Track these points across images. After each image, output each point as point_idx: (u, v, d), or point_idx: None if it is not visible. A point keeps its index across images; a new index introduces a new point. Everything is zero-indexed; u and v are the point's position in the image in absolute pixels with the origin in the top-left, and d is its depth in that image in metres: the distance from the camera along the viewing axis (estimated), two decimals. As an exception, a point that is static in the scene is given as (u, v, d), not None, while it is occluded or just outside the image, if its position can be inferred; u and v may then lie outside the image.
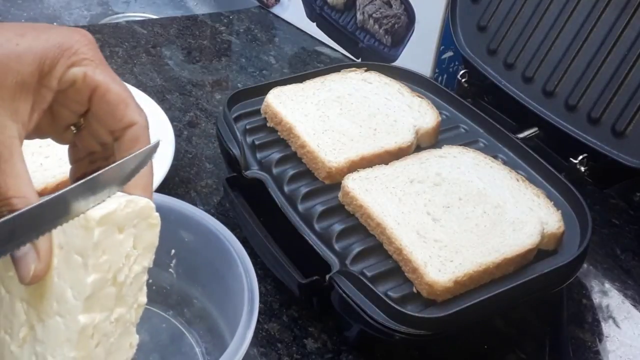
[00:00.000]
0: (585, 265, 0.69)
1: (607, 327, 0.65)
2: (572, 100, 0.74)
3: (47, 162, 0.68)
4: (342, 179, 0.64)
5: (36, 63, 0.42)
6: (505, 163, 0.69)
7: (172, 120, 0.84)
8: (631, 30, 0.71)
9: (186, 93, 0.93)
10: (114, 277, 0.42)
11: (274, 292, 0.66)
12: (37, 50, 0.42)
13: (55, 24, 1.16)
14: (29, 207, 0.39)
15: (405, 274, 0.58)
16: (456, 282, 0.56)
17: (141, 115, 0.46)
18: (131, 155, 0.43)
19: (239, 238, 0.56)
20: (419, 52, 0.93)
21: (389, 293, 0.56)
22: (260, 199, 0.66)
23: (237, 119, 0.73)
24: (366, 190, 0.63)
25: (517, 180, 0.66)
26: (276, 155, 0.68)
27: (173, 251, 0.59)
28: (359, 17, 0.99)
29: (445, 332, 0.55)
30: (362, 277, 0.56)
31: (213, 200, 0.76)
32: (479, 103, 0.83)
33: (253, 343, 0.58)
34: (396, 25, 0.95)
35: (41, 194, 0.45)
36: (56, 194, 0.39)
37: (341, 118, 0.71)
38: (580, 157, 0.72)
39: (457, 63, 0.94)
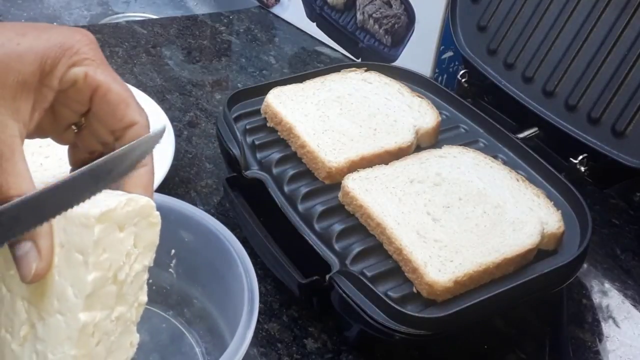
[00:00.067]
0: (585, 265, 0.69)
1: (607, 327, 0.65)
2: (572, 100, 0.74)
3: (47, 162, 0.68)
4: (342, 179, 0.64)
5: (37, 62, 0.42)
6: (505, 163, 0.69)
7: (172, 120, 0.84)
8: (631, 30, 0.71)
9: (186, 93, 0.93)
10: (114, 275, 0.42)
11: (274, 292, 0.66)
12: (38, 49, 0.42)
13: (55, 23, 1.16)
14: (33, 193, 0.39)
15: (405, 274, 0.58)
16: (456, 282, 0.56)
17: (142, 115, 0.46)
18: (137, 140, 0.44)
19: (239, 238, 0.56)
20: (419, 52, 0.93)
21: (389, 293, 0.56)
22: (260, 199, 0.66)
23: (237, 119, 0.73)
24: (366, 190, 0.63)
25: (517, 180, 0.66)
26: (276, 155, 0.68)
27: (173, 251, 0.59)
28: (359, 17, 1.00)
29: (445, 332, 0.55)
30: (362, 277, 0.56)
31: (213, 200, 0.76)
32: (479, 103, 0.83)
33: (253, 343, 0.58)
34: (396, 25, 0.95)
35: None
36: (65, 177, 0.40)
37: (341, 118, 0.71)
38: (580, 157, 0.72)
39: (457, 63, 0.94)
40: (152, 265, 0.45)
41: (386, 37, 0.97)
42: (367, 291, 0.55)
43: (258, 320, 0.52)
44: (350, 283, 0.56)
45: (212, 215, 0.58)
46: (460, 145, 0.71)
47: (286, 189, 0.65)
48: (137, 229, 0.43)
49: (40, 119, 0.43)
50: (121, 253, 0.42)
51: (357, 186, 0.63)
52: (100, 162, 0.41)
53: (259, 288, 0.53)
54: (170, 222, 0.51)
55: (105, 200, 0.41)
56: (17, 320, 0.44)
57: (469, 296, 0.57)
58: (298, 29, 1.09)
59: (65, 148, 0.50)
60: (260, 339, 0.62)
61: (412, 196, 0.63)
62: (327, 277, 0.57)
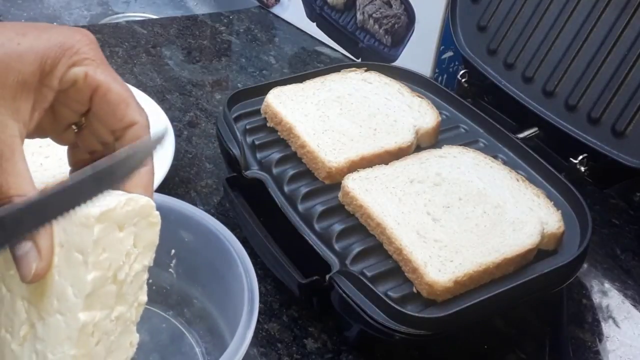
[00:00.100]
0: (585, 265, 0.69)
1: (607, 327, 0.65)
2: (572, 100, 0.74)
3: (47, 162, 0.68)
4: (342, 179, 0.64)
5: (37, 62, 0.42)
6: (505, 163, 0.69)
7: (172, 120, 0.84)
8: (631, 30, 0.71)
9: (186, 93, 0.93)
10: (114, 275, 0.42)
11: (274, 292, 0.66)
12: (38, 49, 0.42)
13: (55, 23, 1.16)
14: (36, 197, 0.39)
15: (405, 274, 0.58)
16: (456, 282, 0.56)
17: (142, 115, 0.46)
18: (139, 143, 0.44)
19: (239, 238, 0.56)
20: (419, 52, 0.93)
21: (389, 293, 0.56)
22: (260, 199, 0.66)
23: (237, 119, 0.73)
24: (366, 190, 0.63)
25: (517, 180, 0.66)
26: (276, 155, 0.68)
27: (173, 251, 0.59)
28: (359, 17, 1.00)
29: (445, 332, 0.55)
30: (362, 277, 0.56)
31: (213, 200, 0.76)
32: (479, 103, 0.83)
33: (253, 343, 0.58)
34: (396, 25, 0.95)
35: (41, 193, 0.45)
36: (64, 180, 0.39)
37: (341, 118, 0.71)
38: (580, 157, 0.72)
39: (457, 63, 0.94)
40: (152, 265, 0.45)
41: (386, 37, 0.97)
42: (367, 291, 0.55)
43: (258, 320, 0.52)
44: (350, 283, 0.56)
45: (212, 215, 0.58)
46: (460, 145, 0.71)
47: (286, 189, 0.65)
48: (137, 228, 0.43)
49: (40, 118, 0.43)
50: (121, 253, 0.42)
51: (357, 186, 0.63)
52: (103, 165, 0.40)
53: (259, 288, 0.53)
54: (170, 222, 0.51)
55: (105, 200, 0.41)
56: (17, 320, 0.44)
57: (469, 296, 0.57)
58: (298, 29, 1.09)
59: (65, 148, 0.50)
60: (260, 339, 0.62)
61: (412, 196, 0.63)
62: (327, 277, 0.57)
